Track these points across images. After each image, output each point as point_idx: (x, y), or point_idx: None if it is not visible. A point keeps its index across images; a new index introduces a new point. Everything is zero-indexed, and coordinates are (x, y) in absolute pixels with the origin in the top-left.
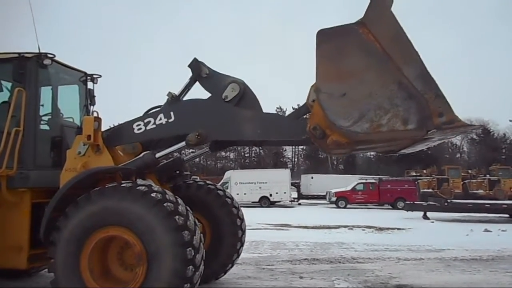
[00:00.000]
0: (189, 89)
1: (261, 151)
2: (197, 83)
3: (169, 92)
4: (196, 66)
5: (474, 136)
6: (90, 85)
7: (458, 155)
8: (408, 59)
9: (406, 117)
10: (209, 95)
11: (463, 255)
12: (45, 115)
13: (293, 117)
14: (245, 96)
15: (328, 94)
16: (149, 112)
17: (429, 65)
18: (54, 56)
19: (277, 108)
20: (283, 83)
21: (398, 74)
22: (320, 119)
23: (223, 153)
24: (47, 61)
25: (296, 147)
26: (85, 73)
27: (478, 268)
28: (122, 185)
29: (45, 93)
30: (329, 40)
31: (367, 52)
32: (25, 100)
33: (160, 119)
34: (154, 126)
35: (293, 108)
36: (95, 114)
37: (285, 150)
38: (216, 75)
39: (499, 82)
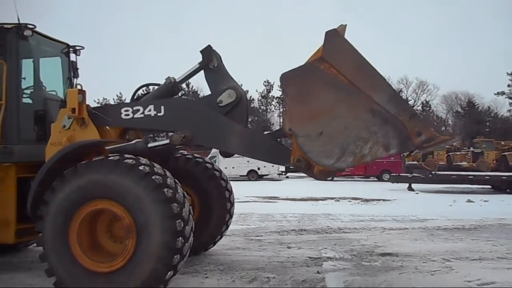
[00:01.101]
0: (192, 76)
1: (248, 124)
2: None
3: (168, 77)
4: (207, 53)
5: (459, 109)
6: (73, 57)
7: (443, 128)
8: (375, 85)
9: (386, 142)
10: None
11: (446, 225)
12: (27, 88)
13: (269, 138)
14: (239, 106)
15: (305, 136)
16: (137, 93)
17: (417, 40)
18: (35, 27)
19: (265, 81)
20: (271, 55)
21: (369, 102)
22: (302, 153)
23: None
24: (27, 32)
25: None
26: (68, 45)
27: (461, 237)
28: (109, 158)
29: (27, 65)
30: (294, 83)
31: (334, 87)
32: (6, 72)
33: (150, 110)
34: (142, 115)
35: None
36: (79, 87)
37: (273, 124)
38: (222, 72)
39: (485, 56)
